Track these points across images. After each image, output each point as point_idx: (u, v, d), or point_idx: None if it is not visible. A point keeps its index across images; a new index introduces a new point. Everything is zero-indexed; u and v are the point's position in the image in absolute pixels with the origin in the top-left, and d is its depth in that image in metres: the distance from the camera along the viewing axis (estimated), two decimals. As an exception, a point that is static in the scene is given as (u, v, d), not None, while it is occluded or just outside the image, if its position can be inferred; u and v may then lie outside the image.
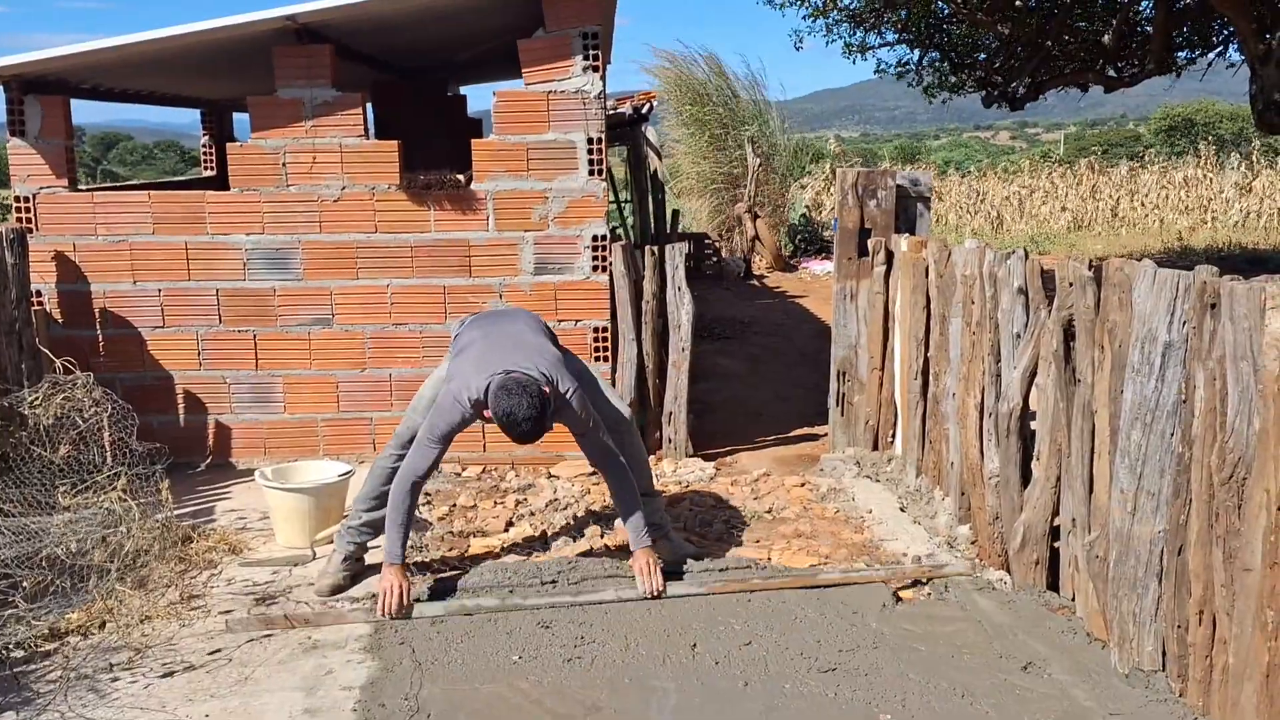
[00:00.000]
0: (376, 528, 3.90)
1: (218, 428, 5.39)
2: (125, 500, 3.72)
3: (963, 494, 4.23)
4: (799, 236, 14.73)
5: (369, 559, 4.00)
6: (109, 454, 4.19)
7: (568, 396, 3.63)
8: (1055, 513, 3.58)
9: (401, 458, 3.83)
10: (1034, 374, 3.67)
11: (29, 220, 5.20)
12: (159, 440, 4.42)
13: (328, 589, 3.83)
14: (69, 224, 5.24)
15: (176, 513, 4.37)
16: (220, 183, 6.75)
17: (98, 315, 5.29)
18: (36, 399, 4.09)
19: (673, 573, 3.86)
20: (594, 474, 5.31)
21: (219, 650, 3.38)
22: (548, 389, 3.52)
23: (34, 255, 5.10)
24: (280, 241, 5.25)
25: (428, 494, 4.99)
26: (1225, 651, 2.66)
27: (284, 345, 5.34)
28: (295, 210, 5.22)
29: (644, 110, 11.63)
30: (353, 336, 5.33)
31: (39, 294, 5.18)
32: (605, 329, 5.39)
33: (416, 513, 4.53)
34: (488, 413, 3.54)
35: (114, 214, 5.24)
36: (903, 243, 5.02)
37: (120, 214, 5.24)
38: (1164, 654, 2.97)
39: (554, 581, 3.83)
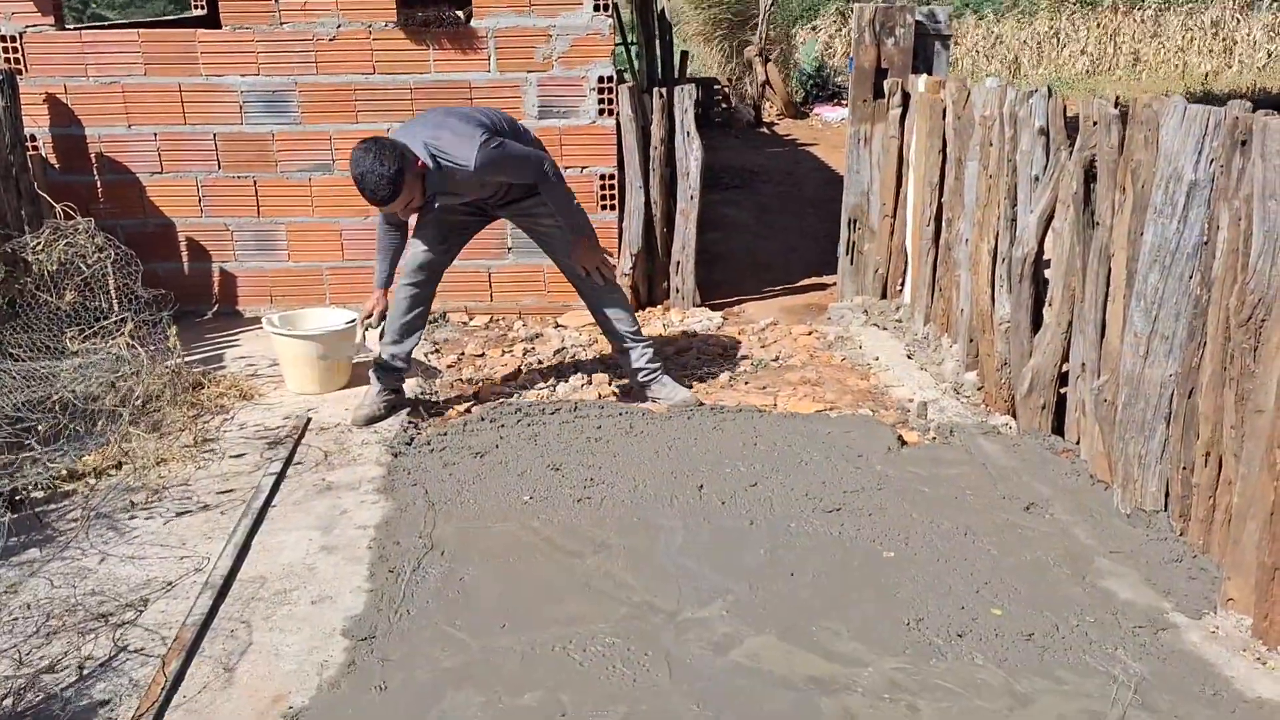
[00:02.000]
0: (405, 359, 4.05)
1: (222, 275, 5.35)
2: (133, 346, 3.72)
3: (971, 340, 4.21)
4: (810, 82, 14.28)
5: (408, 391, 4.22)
6: (114, 300, 4.17)
7: (485, 145, 3.62)
8: (1064, 359, 3.57)
9: (415, 285, 4.01)
10: (1051, 218, 3.59)
11: (17, 62, 5.03)
12: (164, 287, 4.38)
13: (363, 419, 3.96)
14: (59, 64, 5.06)
15: (186, 359, 4.39)
16: (212, 22, 6.51)
17: (94, 160, 5.18)
18: (39, 244, 4.04)
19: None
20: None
21: (233, 491, 3.44)
22: (411, 150, 3.53)
23: (24, 98, 4.95)
24: (276, 83, 5.08)
25: (435, 342, 4.99)
26: (1229, 491, 2.68)
27: (285, 192, 5.24)
28: (291, 50, 5.03)
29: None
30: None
31: (33, 138, 5.06)
32: (612, 176, 5.27)
33: (425, 359, 4.58)
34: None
35: (104, 54, 5.06)
36: (920, 83, 4.85)
37: (110, 54, 5.06)
38: (1166, 495, 3.01)
39: (565, 422, 3.87)
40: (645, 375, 4.17)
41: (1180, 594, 2.71)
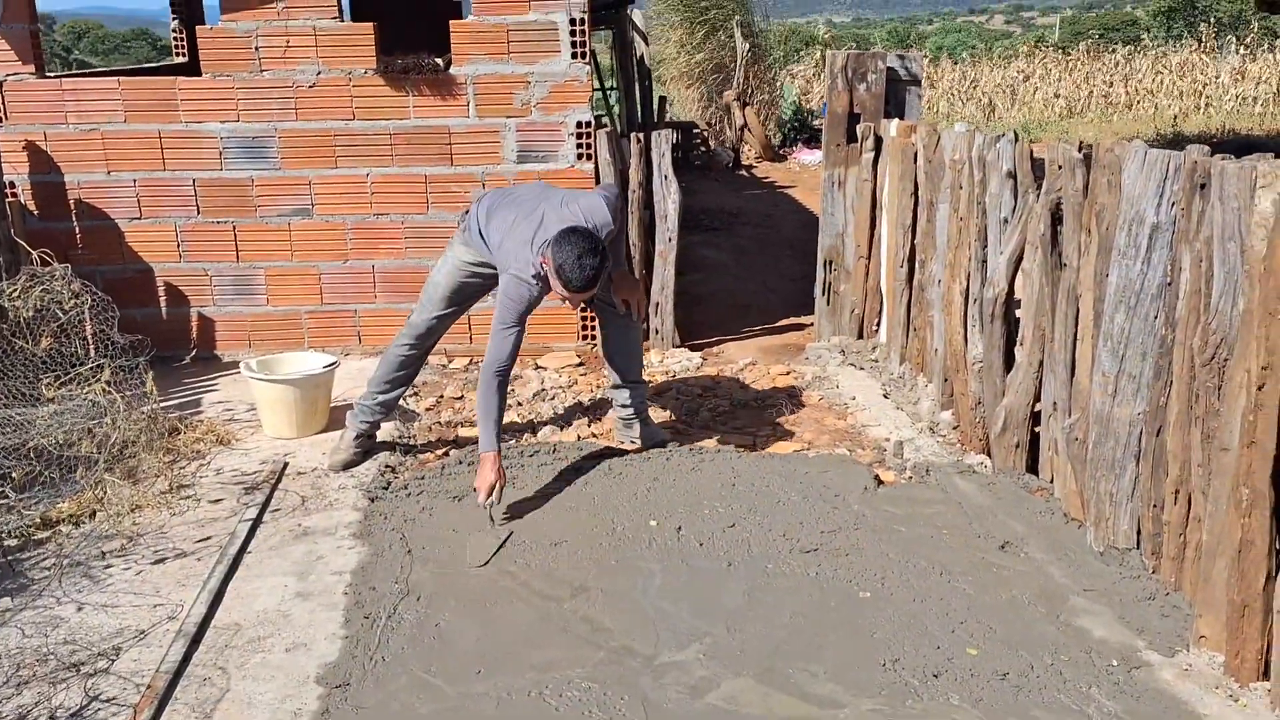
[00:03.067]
0: (388, 408, 4.10)
1: (201, 320, 5.35)
2: (109, 392, 3.71)
3: (945, 380, 4.25)
4: (788, 125, 14.47)
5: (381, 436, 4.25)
6: (91, 346, 4.16)
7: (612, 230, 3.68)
8: (1037, 397, 3.61)
9: (414, 347, 4.02)
10: (1020, 259, 3.65)
11: (-4, 109, 5.06)
12: (142, 333, 4.38)
13: (340, 465, 3.99)
14: (39, 112, 5.09)
15: (163, 404, 4.37)
16: (192, 69, 6.55)
17: (73, 206, 5.19)
18: (15, 292, 4.04)
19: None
20: (579, 365, 5.32)
21: (209, 538, 3.42)
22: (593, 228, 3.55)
23: (4, 145, 4.98)
24: (256, 130, 5.13)
25: (414, 385, 5.00)
26: (1199, 529, 2.71)
27: (264, 236, 5.26)
28: (270, 97, 5.08)
29: (630, -6, 11.27)
30: (334, 227, 5.26)
31: (12, 185, 5.07)
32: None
33: (403, 403, 4.57)
34: (555, 283, 3.48)
35: (84, 101, 5.10)
36: (892, 128, 4.93)
37: (90, 101, 5.10)
38: (1139, 532, 3.04)
39: (544, 464, 3.87)
40: (630, 415, 4.18)
41: (1153, 632, 2.73)
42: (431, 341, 4.08)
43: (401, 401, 4.69)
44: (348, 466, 3.99)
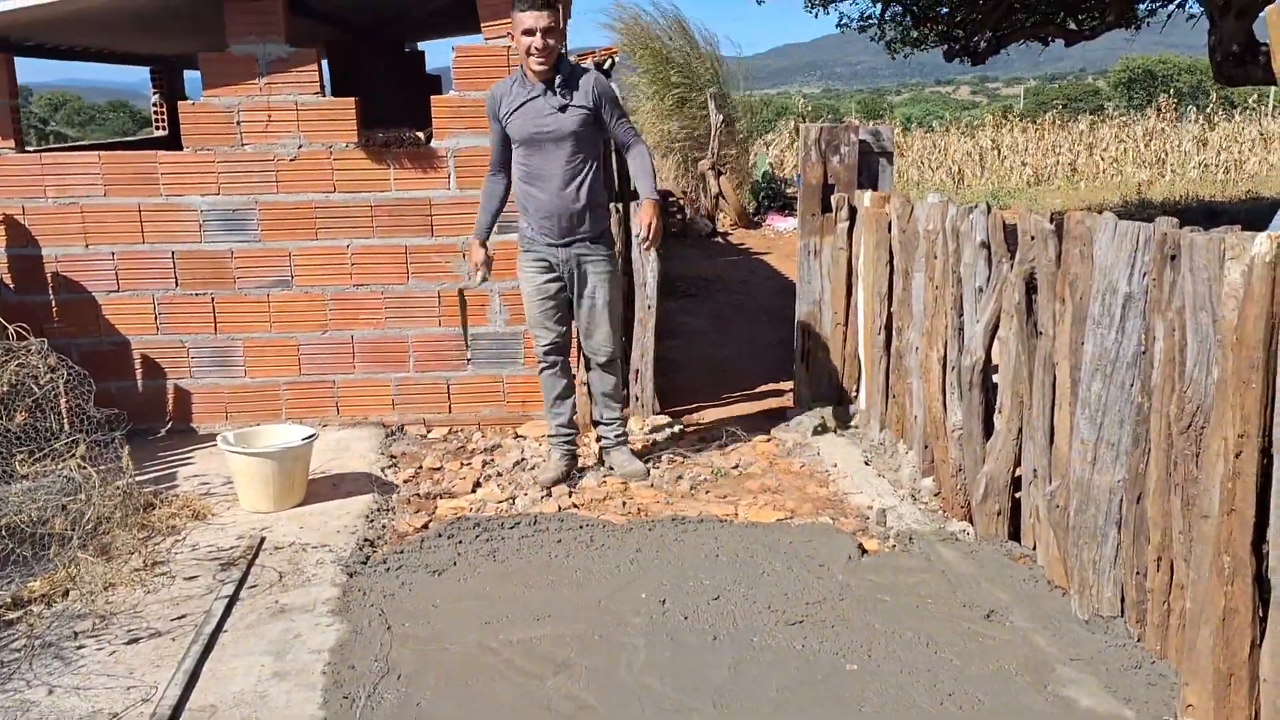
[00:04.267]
0: (568, 426, 4.63)
1: (177, 392, 5.31)
2: (84, 468, 3.66)
3: (926, 447, 4.27)
4: (762, 194, 14.69)
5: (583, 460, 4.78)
6: (66, 421, 4.12)
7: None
8: (1017, 464, 3.63)
9: (549, 366, 4.58)
10: (996, 327, 3.70)
11: (-25, 183, 5.06)
12: (118, 406, 4.34)
13: (550, 480, 4.50)
14: (17, 186, 5.10)
15: (138, 479, 4.32)
16: (172, 142, 6.60)
17: (50, 280, 5.17)
18: (-11, 366, 4.00)
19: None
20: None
21: (185, 616, 3.35)
22: None
23: (-19, 219, 4.97)
24: (237, 202, 5.15)
25: (393, 455, 4.97)
26: (1183, 596, 2.72)
27: (243, 308, 5.25)
28: (251, 170, 5.12)
29: (605, 66, 11.47)
30: (313, 298, 5.26)
31: (-12, 259, 5.06)
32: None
33: (382, 473, 4.55)
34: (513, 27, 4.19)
35: (63, 175, 5.11)
36: (866, 198, 5.02)
37: (70, 175, 5.11)
38: (1123, 600, 3.04)
39: (525, 536, 3.84)
40: (610, 441, 4.66)
41: (1140, 701, 2.72)
42: (563, 357, 4.60)
43: (381, 473, 4.68)
44: (558, 482, 4.49)
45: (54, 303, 5.19)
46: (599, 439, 4.76)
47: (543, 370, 4.60)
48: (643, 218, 4.37)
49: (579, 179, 4.32)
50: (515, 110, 4.26)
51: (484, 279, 4.59)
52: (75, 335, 5.18)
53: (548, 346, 4.54)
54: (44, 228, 5.13)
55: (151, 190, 5.12)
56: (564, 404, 4.62)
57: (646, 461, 4.77)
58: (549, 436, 4.69)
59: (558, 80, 4.23)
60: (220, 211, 5.15)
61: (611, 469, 4.66)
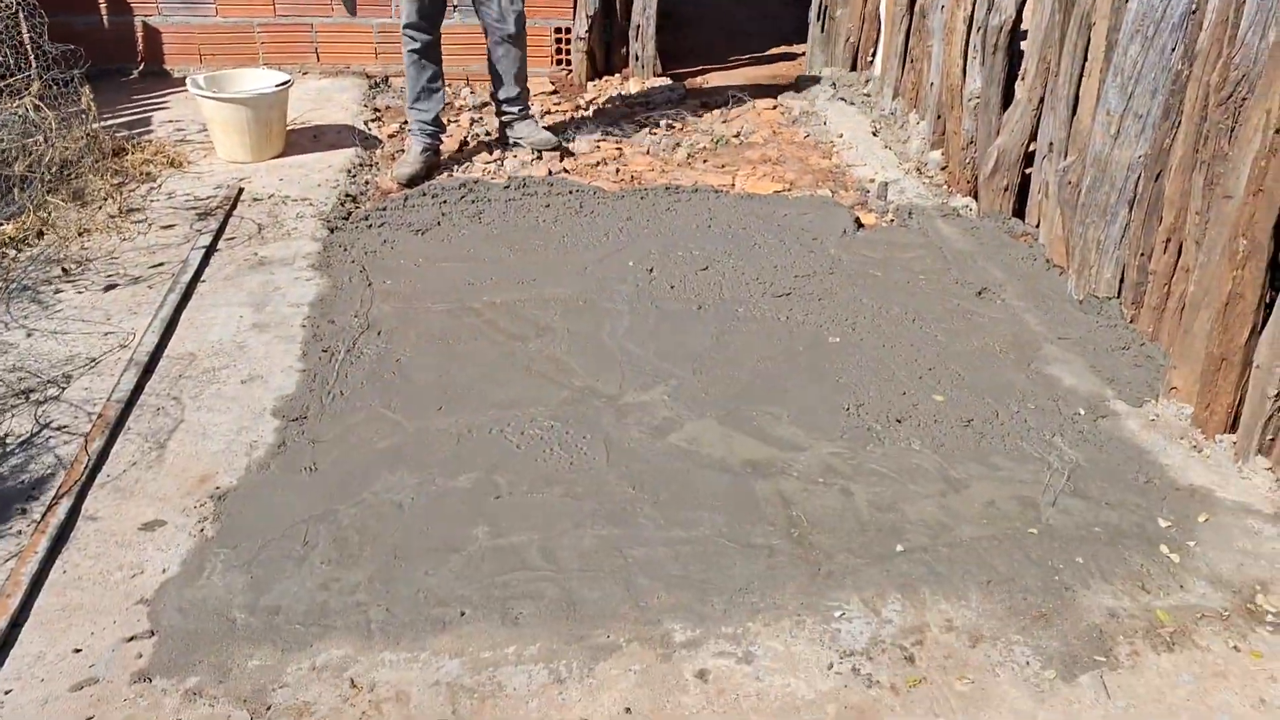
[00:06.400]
0: (432, 117, 4.02)
1: (146, 30, 4.95)
2: (40, 107, 3.44)
3: (939, 117, 4.01)
4: None
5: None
6: (31, 55, 3.84)
7: None
8: (1032, 138, 3.41)
9: (415, 47, 3.92)
10: (1033, -17, 3.33)
11: None
12: (83, 44, 4.03)
13: (405, 177, 3.91)
14: None
15: (110, 122, 4.12)
16: None
17: (-10, -104, 4.65)
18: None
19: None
20: (554, 93, 5.01)
21: (162, 264, 3.28)
22: None
23: None
24: None
25: (377, 109, 4.72)
26: (1185, 280, 2.61)
27: (207, -63, 4.77)
28: None
29: None
30: (284, -72, 4.76)
31: None
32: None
33: (365, 126, 4.33)
34: None
35: None
36: None
37: None
38: (1121, 281, 2.94)
39: (513, 200, 3.70)
40: (514, 115, 4.21)
41: (1124, 381, 2.70)
42: (434, 37, 3.96)
43: (365, 126, 4.45)
44: (413, 182, 3.90)
45: (-3, -77, 4.70)
46: (500, 114, 4.24)
47: (410, 53, 3.95)
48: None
49: None
50: None
51: None
52: (26, -38, 4.74)
53: (416, 19, 3.86)
54: None
55: None
56: (434, 98, 4.02)
57: (644, 127, 4.52)
58: (410, 128, 4.10)
59: None
60: None
61: (516, 143, 4.23)
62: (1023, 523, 2.22)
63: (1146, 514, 2.25)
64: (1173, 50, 2.63)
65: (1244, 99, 2.34)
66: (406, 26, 3.88)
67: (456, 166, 4.10)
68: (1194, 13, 2.55)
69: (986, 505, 2.27)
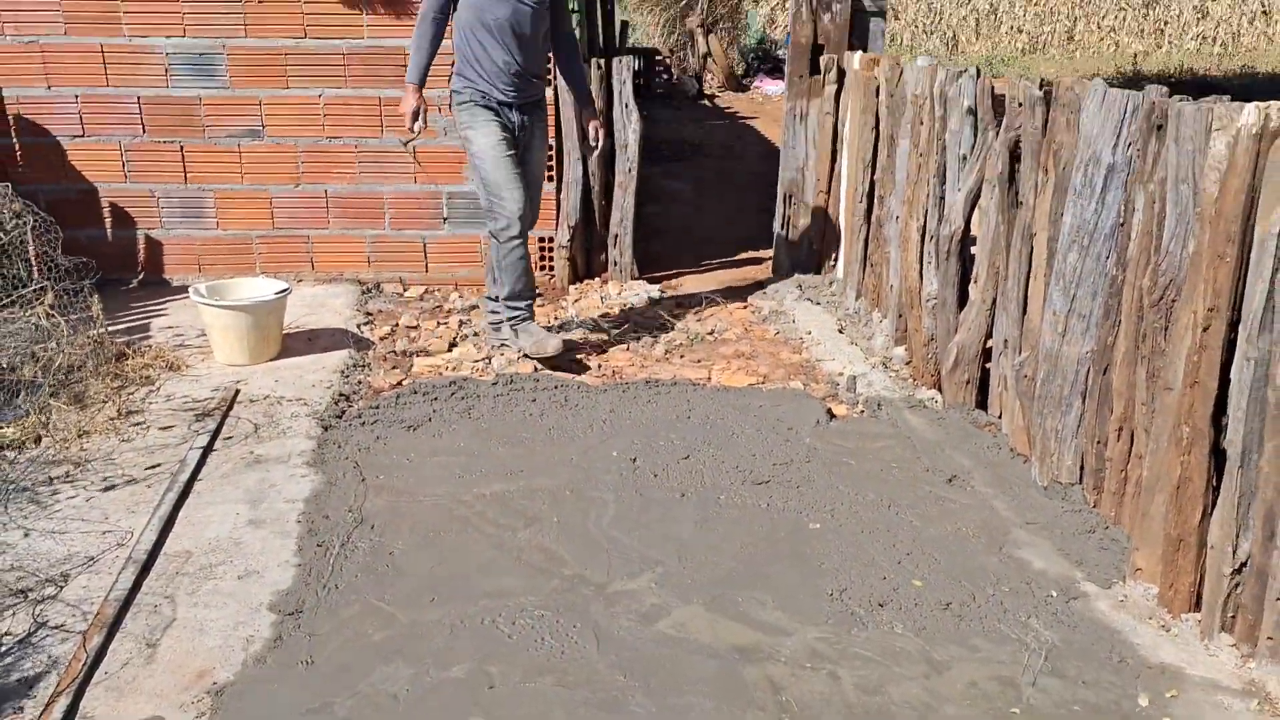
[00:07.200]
0: (520, 295, 4.32)
1: (148, 243, 5.23)
2: (53, 315, 3.62)
3: (900, 316, 4.29)
4: (752, 55, 14.30)
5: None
6: (35, 268, 4.06)
7: None
8: (988, 335, 3.66)
9: (519, 236, 4.21)
10: (978, 197, 3.66)
11: (-73, 17, 4.83)
12: (87, 256, 4.28)
13: (557, 348, 4.21)
14: (-28, 22, 4.88)
15: (111, 329, 4.29)
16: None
17: (13, 122, 5.01)
18: (-48, 210, 3.91)
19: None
20: (538, 295, 5.28)
21: (160, 465, 3.38)
22: None
23: (-64, 56, 4.77)
24: (204, 45, 4.96)
25: (369, 313, 4.95)
26: (1140, 465, 2.78)
27: (213, 158, 5.12)
28: (217, 11, 4.91)
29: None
30: (285, 150, 5.13)
31: (-54, 99, 4.88)
32: (550, 147, 5.23)
33: (358, 330, 4.53)
34: None
35: (22, 11, 4.88)
36: (855, 60, 4.89)
37: (29, 11, 4.88)
38: (1081, 468, 3.11)
39: (500, 396, 3.87)
40: (524, 314, 4.37)
41: (1092, 564, 2.82)
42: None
43: (357, 329, 4.66)
44: (559, 350, 4.21)
45: (17, 146, 5.04)
46: (513, 316, 4.37)
47: (512, 241, 4.19)
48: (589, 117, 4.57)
49: (545, 40, 4.27)
50: None
51: (422, 129, 4.24)
52: (40, 181, 5.05)
53: (519, 210, 4.17)
54: (4, 67, 4.94)
55: (114, 30, 4.92)
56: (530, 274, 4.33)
57: (623, 327, 4.77)
58: (514, 315, 4.33)
59: None
60: (186, 54, 4.96)
61: (504, 345, 4.43)
62: (1004, 702, 2.29)
63: (1122, 691, 2.32)
64: (1107, 257, 2.90)
65: (1173, 300, 2.58)
66: (509, 229, 4.19)
67: (445, 366, 4.29)
68: (1122, 225, 2.84)
69: (969, 686, 2.34)
